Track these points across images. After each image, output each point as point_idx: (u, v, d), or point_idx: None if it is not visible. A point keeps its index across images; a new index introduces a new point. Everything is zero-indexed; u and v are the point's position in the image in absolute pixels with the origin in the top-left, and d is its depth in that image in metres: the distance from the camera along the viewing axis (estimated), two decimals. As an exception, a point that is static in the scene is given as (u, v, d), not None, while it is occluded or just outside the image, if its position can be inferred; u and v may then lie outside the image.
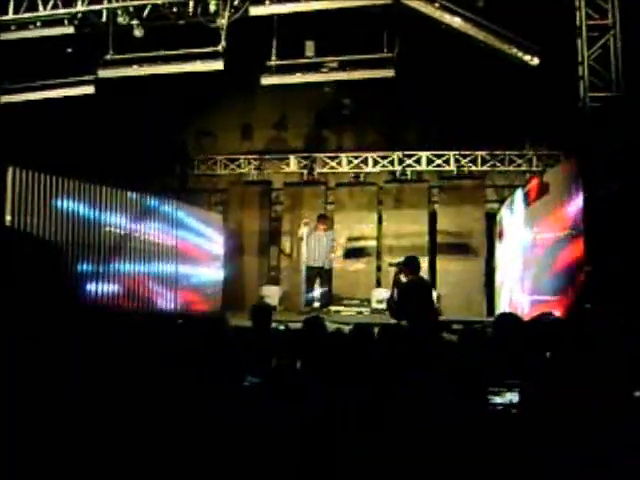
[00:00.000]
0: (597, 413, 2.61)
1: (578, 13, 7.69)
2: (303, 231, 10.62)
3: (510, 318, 4.32)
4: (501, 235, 11.32)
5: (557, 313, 6.53)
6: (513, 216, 10.11)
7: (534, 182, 9.26)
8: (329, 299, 11.34)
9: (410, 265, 7.02)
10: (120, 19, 9.25)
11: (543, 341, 3.60)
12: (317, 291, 10.67)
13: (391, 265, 11.63)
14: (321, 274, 10.56)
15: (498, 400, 3.18)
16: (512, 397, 3.18)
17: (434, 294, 10.67)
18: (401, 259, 7.37)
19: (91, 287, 9.40)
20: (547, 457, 2.48)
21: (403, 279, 7.06)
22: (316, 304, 10.60)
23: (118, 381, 3.07)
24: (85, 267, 9.32)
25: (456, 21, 8.12)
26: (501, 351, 3.74)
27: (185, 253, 11.27)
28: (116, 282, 9.84)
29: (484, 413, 2.96)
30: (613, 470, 2.40)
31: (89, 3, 9.33)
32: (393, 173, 12.58)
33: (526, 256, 9.00)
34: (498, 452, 2.53)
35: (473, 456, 2.51)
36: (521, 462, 2.49)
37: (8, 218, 8.23)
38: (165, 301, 10.72)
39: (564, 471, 2.44)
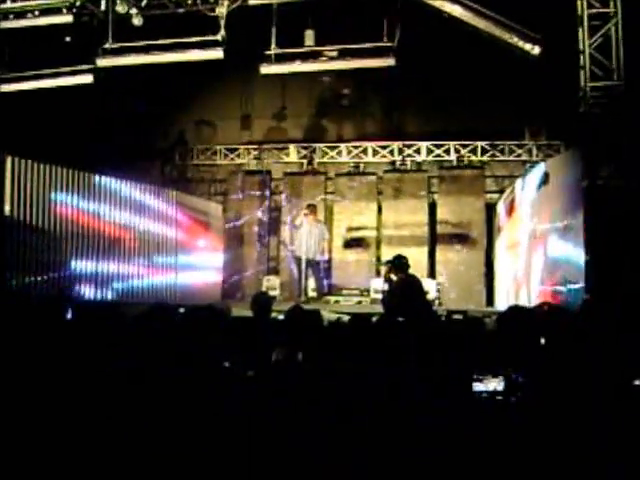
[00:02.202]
0: (587, 403, 2.61)
1: (579, 2, 7.65)
2: (299, 221, 10.62)
3: (518, 311, 4.31)
4: (499, 229, 11.31)
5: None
6: (515, 205, 10.08)
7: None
8: (327, 288, 11.36)
9: (397, 265, 7.01)
10: (119, 8, 9.21)
11: (538, 330, 3.59)
12: (311, 281, 10.67)
13: (379, 262, 11.77)
14: (312, 266, 10.50)
15: (482, 388, 3.17)
16: (497, 385, 3.18)
17: (433, 285, 10.73)
18: (390, 258, 7.38)
19: (91, 277, 9.41)
20: (532, 445, 2.48)
21: (394, 277, 7.06)
22: (312, 293, 10.61)
23: (118, 373, 3.07)
24: (84, 258, 9.32)
25: (456, 10, 8.09)
26: (504, 342, 3.73)
27: (185, 243, 11.26)
28: (116, 273, 9.84)
29: (468, 401, 2.96)
30: (601, 459, 2.40)
31: (87, -9, 9.29)
32: (393, 163, 12.55)
33: (530, 246, 8.98)
34: (482, 440, 2.53)
35: (457, 444, 2.52)
36: (505, 450, 2.49)
37: (7, 208, 8.22)
38: (165, 291, 10.73)
39: (549, 459, 2.44)
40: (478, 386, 3.16)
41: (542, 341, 3.54)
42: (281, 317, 6.36)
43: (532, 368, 3.18)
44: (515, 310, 4.36)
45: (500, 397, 3.07)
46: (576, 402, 2.61)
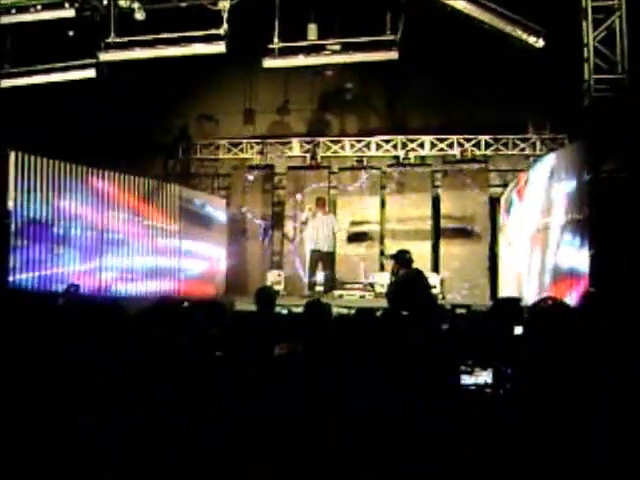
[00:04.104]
0: (579, 398, 2.59)
1: (583, -6, 7.60)
2: (305, 216, 10.64)
3: (509, 303, 4.31)
4: (503, 223, 11.26)
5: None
6: (520, 198, 10.03)
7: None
8: (332, 283, 11.34)
9: (400, 259, 6.99)
10: (121, 2, 9.19)
11: (539, 324, 3.57)
12: (320, 275, 10.65)
13: (382, 255, 11.79)
14: (323, 258, 10.54)
15: (472, 380, 3.16)
16: (486, 377, 3.17)
17: (436, 280, 10.70)
18: (394, 252, 7.36)
19: (95, 273, 9.42)
20: (520, 437, 2.47)
21: (402, 272, 7.05)
22: (319, 288, 10.60)
23: (122, 366, 3.06)
24: (87, 252, 9.34)
25: (460, 2, 8.04)
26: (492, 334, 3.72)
27: (188, 238, 11.26)
28: (119, 267, 9.85)
29: (457, 394, 2.96)
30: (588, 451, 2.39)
31: (90, -14, 9.27)
32: (396, 157, 12.52)
33: (535, 240, 8.94)
34: (471, 433, 2.52)
35: (447, 437, 2.51)
36: (494, 443, 2.49)
37: (11, 203, 8.23)
38: (169, 285, 10.74)
39: (535, 451, 2.43)
40: (468, 379, 3.15)
41: (519, 331, 3.52)
42: (285, 311, 6.39)
43: (521, 360, 3.16)
44: (504, 302, 4.37)
45: (489, 390, 3.06)
46: (568, 396, 2.60)
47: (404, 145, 12.41)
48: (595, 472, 2.33)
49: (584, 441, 2.39)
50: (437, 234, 11.98)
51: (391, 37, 8.77)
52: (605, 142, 6.85)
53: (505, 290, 10.77)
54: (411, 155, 12.40)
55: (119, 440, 2.61)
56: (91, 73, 9.68)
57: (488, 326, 3.89)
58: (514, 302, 4.21)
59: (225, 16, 9.01)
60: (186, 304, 5.06)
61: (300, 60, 9.22)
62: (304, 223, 10.71)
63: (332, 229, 10.61)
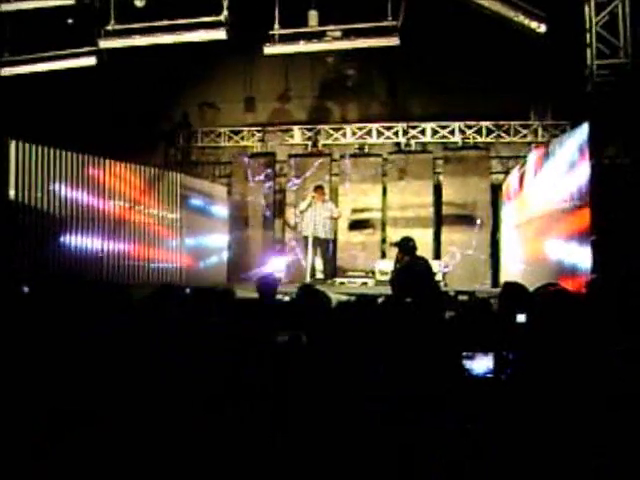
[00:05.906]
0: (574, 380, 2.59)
1: (586, -21, 7.54)
2: (304, 203, 10.65)
3: (516, 288, 4.31)
4: (506, 207, 11.24)
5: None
6: (522, 184, 9.99)
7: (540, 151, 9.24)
8: (333, 270, 11.35)
9: (404, 247, 6.95)
10: (121, -11, 9.15)
11: (541, 310, 3.57)
12: (319, 262, 10.67)
13: (384, 242, 11.82)
14: (321, 245, 10.55)
15: (473, 366, 3.17)
16: (488, 363, 3.17)
17: (438, 267, 10.69)
18: (398, 240, 7.33)
19: (95, 260, 9.44)
20: (523, 423, 2.48)
21: (406, 259, 7.03)
22: (319, 275, 10.61)
23: (125, 354, 3.07)
24: (89, 240, 9.35)
25: (461, -12, 7.99)
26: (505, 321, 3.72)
27: (190, 225, 11.27)
28: (121, 255, 9.87)
29: (460, 379, 2.97)
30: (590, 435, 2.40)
31: (89, -27, 9.21)
32: (398, 144, 12.49)
33: (535, 225, 8.92)
34: (475, 418, 2.53)
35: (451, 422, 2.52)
36: (498, 429, 2.50)
37: (12, 192, 8.23)
38: (171, 273, 10.75)
39: (540, 437, 2.44)
40: (469, 364, 3.15)
41: (522, 319, 3.53)
42: (287, 299, 6.38)
43: (524, 346, 3.16)
44: (509, 287, 4.36)
45: (491, 375, 3.06)
46: (571, 383, 2.60)
47: (405, 132, 12.38)
48: (595, 463, 2.34)
49: (585, 430, 2.39)
50: (438, 221, 11.98)
51: (392, 23, 8.72)
52: (607, 128, 6.82)
53: (507, 277, 10.77)
54: (412, 142, 12.37)
55: (110, 437, 2.62)
56: (91, 61, 9.64)
57: (491, 312, 3.89)
58: (521, 288, 4.20)
59: (225, 3, 8.96)
60: (188, 291, 5.07)
61: (301, 47, 9.18)
62: (302, 212, 10.70)
63: (330, 216, 10.63)
